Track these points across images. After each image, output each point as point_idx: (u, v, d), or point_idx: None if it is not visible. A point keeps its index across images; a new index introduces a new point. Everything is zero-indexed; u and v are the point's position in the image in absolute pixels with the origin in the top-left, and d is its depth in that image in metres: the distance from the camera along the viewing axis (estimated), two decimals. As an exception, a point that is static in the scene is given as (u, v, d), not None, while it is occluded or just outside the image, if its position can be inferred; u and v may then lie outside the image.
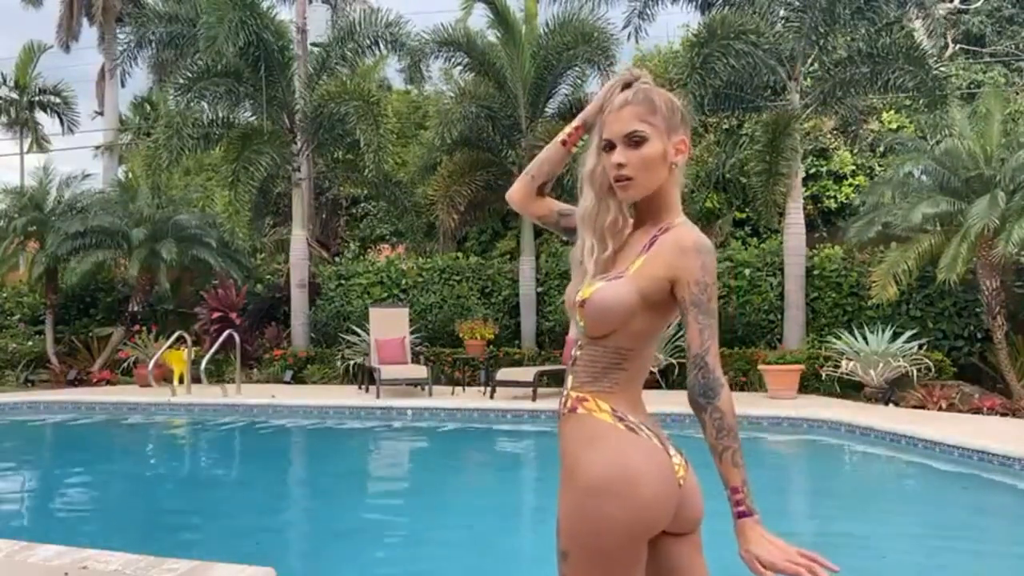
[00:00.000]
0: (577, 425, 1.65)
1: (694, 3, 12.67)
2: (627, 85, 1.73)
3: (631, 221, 1.75)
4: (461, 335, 12.81)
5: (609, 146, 1.68)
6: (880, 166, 14.66)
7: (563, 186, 12.97)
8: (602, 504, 1.55)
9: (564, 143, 1.87)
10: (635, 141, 1.65)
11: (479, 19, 13.93)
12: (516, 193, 1.94)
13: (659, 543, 1.64)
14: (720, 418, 1.51)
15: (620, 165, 1.65)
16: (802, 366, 10.47)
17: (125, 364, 13.71)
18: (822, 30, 11.29)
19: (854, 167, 14.79)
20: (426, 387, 11.07)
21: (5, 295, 16.00)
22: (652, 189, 1.68)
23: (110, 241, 13.87)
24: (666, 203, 1.71)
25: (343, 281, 14.29)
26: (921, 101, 11.62)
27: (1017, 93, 16.21)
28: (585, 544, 1.57)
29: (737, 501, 1.50)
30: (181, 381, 11.97)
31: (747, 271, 12.20)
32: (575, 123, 1.85)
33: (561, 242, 13.35)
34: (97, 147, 23.95)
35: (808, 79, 12.29)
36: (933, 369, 10.16)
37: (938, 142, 10.69)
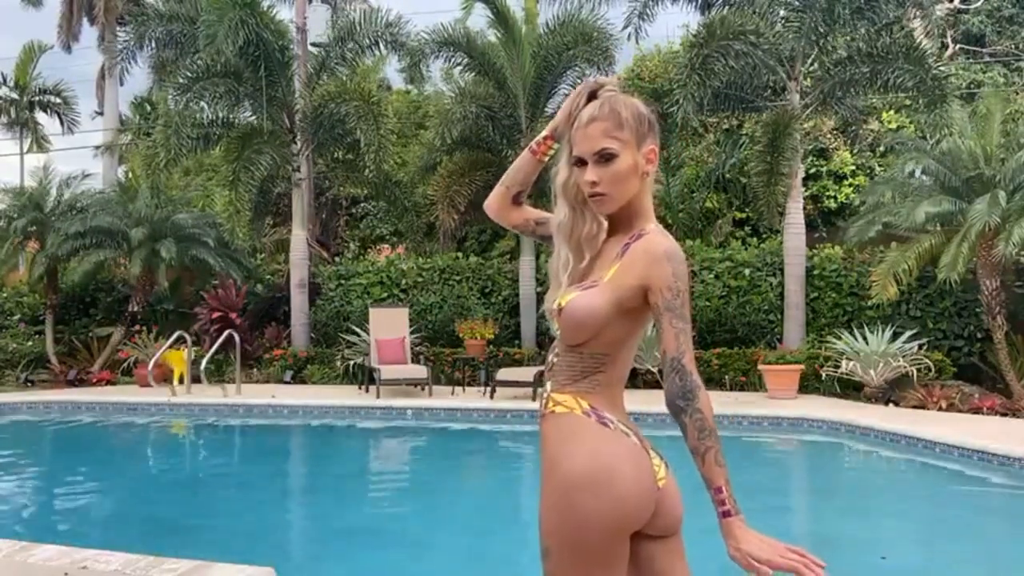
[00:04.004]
0: (556, 423, 1.68)
1: (694, 3, 12.67)
2: (593, 94, 1.73)
3: (605, 225, 1.76)
4: (461, 335, 12.80)
5: (580, 162, 1.69)
6: (880, 166, 14.67)
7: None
8: (580, 498, 1.56)
9: (534, 152, 1.88)
10: (605, 158, 1.65)
11: (479, 19, 13.94)
12: (491, 203, 1.97)
13: (640, 545, 1.65)
14: (701, 419, 1.52)
15: (593, 183, 1.66)
16: (802, 366, 10.46)
17: (125, 364, 13.71)
18: (822, 30, 11.28)
19: (854, 167, 14.80)
20: (426, 387, 11.07)
21: (5, 295, 15.99)
22: (626, 201, 1.70)
23: (110, 241, 13.87)
24: (638, 211, 1.72)
25: (343, 281, 14.29)
26: (921, 101, 11.62)
27: (1017, 93, 16.21)
28: (565, 539, 1.59)
29: (721, 501, 1.51)
30: (181, 381, 11.97)
31: (747, 271, 12.20)
32: (544, 133, 1.86)
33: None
34: (97, 147, 23.94)
35: (808, 79, 12.29)
36: (933, 369, 10.16)
37: (938, 142, 10.69)
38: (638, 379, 11.25)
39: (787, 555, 1.45)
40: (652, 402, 8.62)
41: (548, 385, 1.73)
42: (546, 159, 1.89)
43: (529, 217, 1.95)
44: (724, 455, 1.53)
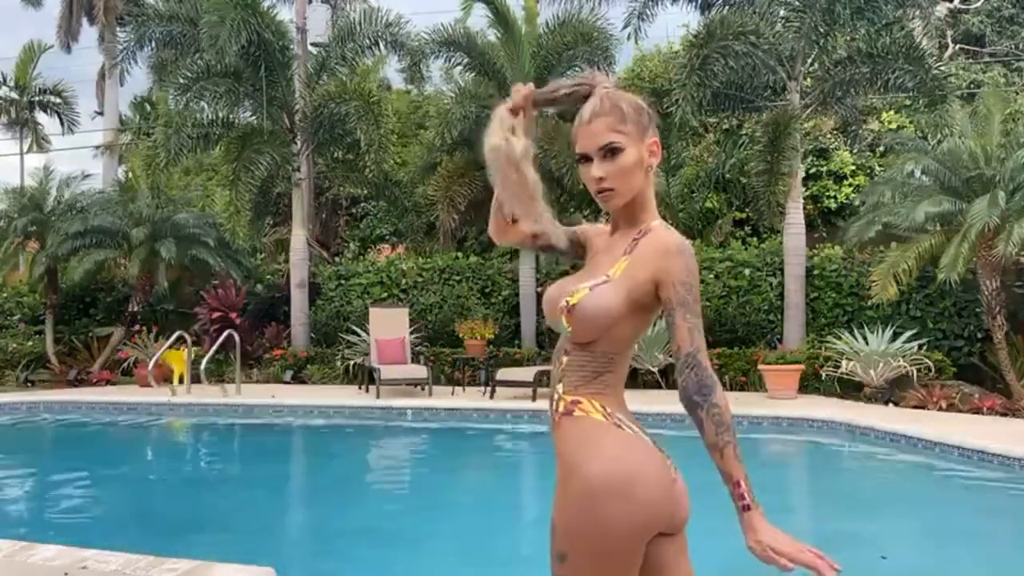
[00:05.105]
0: (573, 427, 1.65)
1: (694, 3, 12.67)
2: (588, 94, 1.72)
3: (532, 148, 1.74)
4: (461, 335, 12.80)
5: (584, 159, 1.69)
6: (880, 166, 14.66)
7: (563, 185, 13.02)
8: (602, 504, 1.55)
9: None
10: (611, 152, 1.66)
11: (479, 19, 13.95)
12: (491, 230, 1.98)
13: (649, 543, 1.64)
14: (719, 414, 1.51)
15: (600, 179, 1.66)
16: (802, 366, 10.46)
17: (125, 364, 13.71)
18: (822, 30, 11.28)
19: (854, 167, 14.80)
20: (426, 387, 11.07)
21: (5, 295, 16.00)
22: (632, 195, 1.70)
23: (110, 241, 13.88)
24: (642, 205, 1.72)
25: (343, 281, 14.29)
26: (921, 101, 11.62)
27: (1017, 93, 16.21)
28: (585, 545, 1.57)
29: (741, 495, 1.51)
30: (181, 381, 11.97)
31: (747, 271, 12.20)
32: None
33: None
34: (97, 147, 23.96)
35: (808, 79, 12.29)
36: (933, 369, 10.16)
37: (939, 142, 10.68)
38: (638, 379, 11.25)
39: (806, 551, 1.45)
40: (652, 402, 8.63)
41: (560, 387, 1.70)
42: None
43: (526, 232, 1.93)
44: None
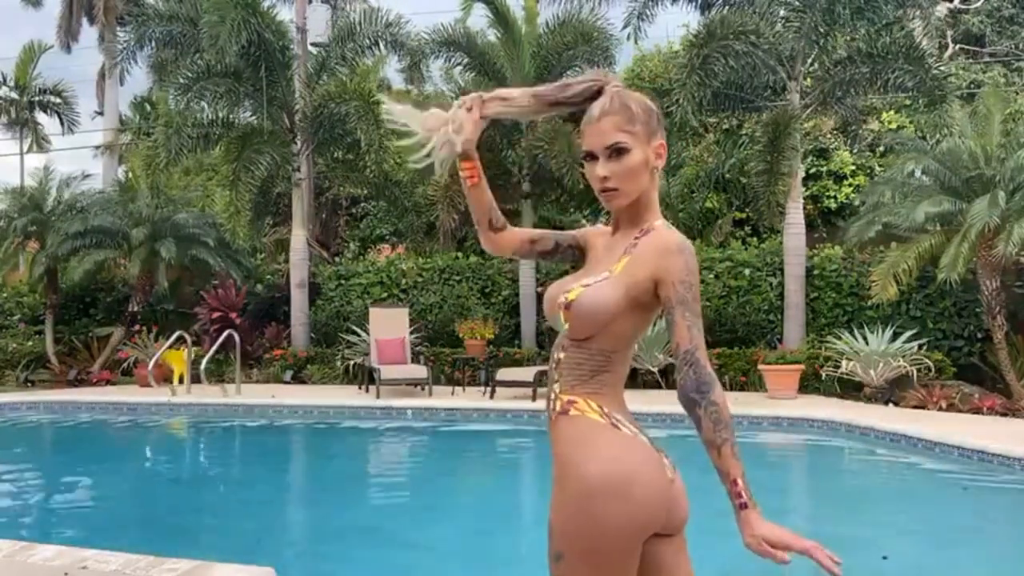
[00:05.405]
0: (570, 426, 1.65)
1: (694, 3, 12.67)
2: (598, 91, 1.72)
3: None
4: (461, 335, 12.80)
5: (590, 157, 1.69)
6: (880, 166, 14.67)
7: (563, 186, 13.01)
8: (599, 504, 1.55)
9: (468, 181, 1.87)
10: (617, 152, 1.66)
11: (479, 19, 13.96)
12: (483, 244, 1.96)
13: (648, 544, 1.64)
14: (716, 411, 1.51)
15: (605, 178, 1.66)
16: (802, 366, 10.46)
17: (125, 364, 13.71)
18: (822, 30, 11.28)
19: (854, 167, 14.80)
20: (426, 387, 11.06)
21: (5, 295, 16.00)
22: (636, 196, 1.70)
23: (110, 241, 13.88)
24: (646, 206, 1.72)
25: (343, 281, 14.29)
26: (921, 101, 11.61)
27: (1017, 93, 16.21)
28: (581, 545, 1.57)
29: (738, 493, 1.51)
30: (181, 381, 11.97)
31: (747, 271, 12.20)
32: (459, 159, 1.85)
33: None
34: (97, 147, 23.96)
35: (808, 79, 12.29)
36: (933, 369, 10.16)
37: (938, 142, 10.69)
38: (638, 379, 11.25)
39: (803, 540, 1.46)
40: (652, 402, 8.63)
41: (556, 387, 1.70)
42: (481, 179, 1.87)
43: (522, 239, 1.93)
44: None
